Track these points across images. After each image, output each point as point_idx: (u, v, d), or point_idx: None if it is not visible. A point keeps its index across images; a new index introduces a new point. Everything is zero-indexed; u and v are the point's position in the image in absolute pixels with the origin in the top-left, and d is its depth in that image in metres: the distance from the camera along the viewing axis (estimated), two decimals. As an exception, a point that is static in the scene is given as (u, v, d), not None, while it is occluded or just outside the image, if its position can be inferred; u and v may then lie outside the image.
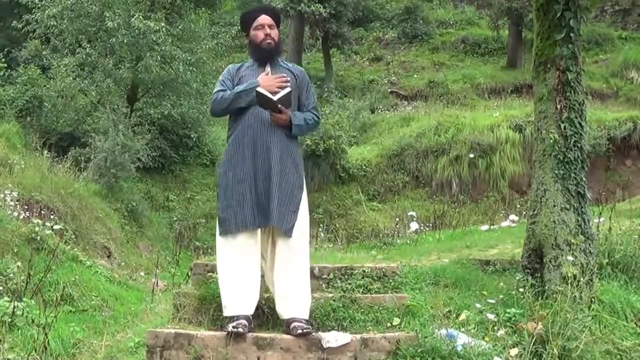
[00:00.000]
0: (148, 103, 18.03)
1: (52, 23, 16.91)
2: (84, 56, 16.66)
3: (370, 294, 4.82)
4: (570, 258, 4.71)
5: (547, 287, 4.79)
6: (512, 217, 11.69)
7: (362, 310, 4.53)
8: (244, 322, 4.08)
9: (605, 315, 4.72)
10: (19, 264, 7.13)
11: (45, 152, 13.70)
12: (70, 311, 7.12)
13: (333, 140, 16.30)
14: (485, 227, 10.96)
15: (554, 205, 4.89)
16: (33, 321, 5.39)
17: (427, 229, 12.78)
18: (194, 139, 18.60)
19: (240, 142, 4.35)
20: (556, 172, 4.91)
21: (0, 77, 17.80)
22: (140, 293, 8.87)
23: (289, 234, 4.26)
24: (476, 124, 17.65)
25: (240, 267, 4.23)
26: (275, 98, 4.24)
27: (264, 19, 4.55)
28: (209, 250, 12.05)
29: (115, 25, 15.63)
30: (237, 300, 4.19)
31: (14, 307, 5.52)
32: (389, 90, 24.70)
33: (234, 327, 4.03)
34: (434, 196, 16.63)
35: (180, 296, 4.65)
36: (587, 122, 5.11)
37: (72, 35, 17.16)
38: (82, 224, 11.12)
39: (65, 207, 10.99)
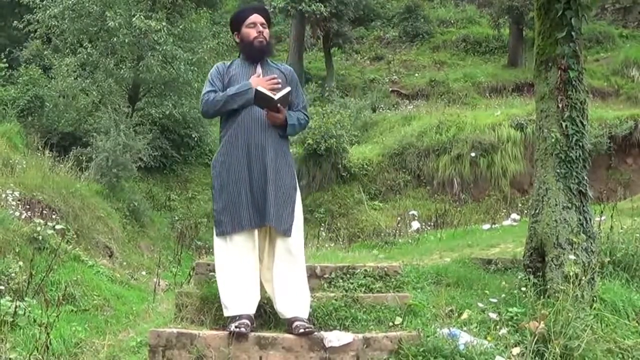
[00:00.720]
0: (149, 103, 18.03)
1: (53, 23, 16.93)
2: (85, 56, 16.69)
3: (372, 293, 4.82)
4: (572, 257, 4.70)
5: (549, 286, 4.79)
6: (514, 216, 11.68)
7: (364, 309, 4.53)
8: (246, 321, 4.09)
9: (607, 314, 4.72)
10: (20, 263, 7.13)
11: (47, 152, 13.69)
12: (72, 311, 7.11)
13: (334, 140, 16.30)
14: (486, 226, 10.95)
15: (556, 204, 4.89)
16: (35, 321, 5.38)
17: (429, 228, 12.77)
18: (195, 138, 18.62)
19: (234, 142, 4.35)
20: (558, 171, 4.91)
21: (2, 77, 17.82)
22: (142, 293, 8.86)
23: (288, 234, 4.29)
24: (477, 122, 17.63)
25: (239, 267, 4.24)
26: (276, 97, 4.24)
27: (257, 17, 4.55)
28: (211, 250, 11.99)
29: (117, 25, 15.64)
30: (239, 300, 4.20)
31: (16, 307, 5.53)
32: (390, 89, 24.71)
33: (236, 326, 4.03)
34: (436, 195, 16.62)
35: (182, 296, 4.65)
36: (589, 120, 5.11)
37: (74, 35, 17.17)
38: (84, 223, 11.12)
39: (66, 206, 10.98)
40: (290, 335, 4.09)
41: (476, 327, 4.35)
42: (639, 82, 22.19)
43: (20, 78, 17.32)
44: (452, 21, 30.58)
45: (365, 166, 17.30)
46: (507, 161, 16.66)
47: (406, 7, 29.79)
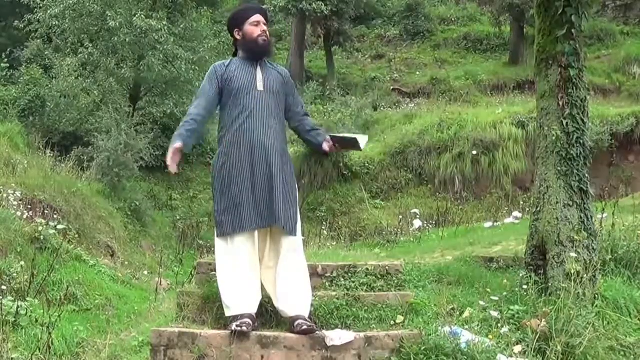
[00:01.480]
0: (150, 102, 18.04)
1: (54, 23, 16.95)
2: (86, 56, 16.68)
3: (374, 292, 4.81)
4: (573, 255, 4.70)
5: (550, 284, 4.79)
6: (516, 213, 11.65)
7: (366, 308, 4.53)
8: (247, 320, 4.09)
9: (609, 311, 4.72)
10: (22, 263, 7.15)
11: (48, 151, 13.71)
12: (74, 310, 7.13)
13: (336, 138, 16.26)
14: (488, 224, 10.94)
15: (557, 202, 4.88)
16: (37, 321, 5.41)
17: (431, 226, 12.77)
18: (197, 137, 18.59)
19: (236, 143, 4.35)
20: (559, 168, 4.91)
21: (3, 77, 17.82)
22: (144, 292, 8.88)
23: (294, 233, 4.31)
24: (479, 120, 17.63)
25: (240, 267, 4.24)
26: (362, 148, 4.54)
27: (260, 17, 4.54)
28: (213, 249, 12.03)
29: (117, 24, 15.66)
30: (240, 300, 4.20)
31: (18, 307, 5.54)
32: (392, 87, 24.69)
33: (237, 325, 4.03)
34: (437, 193, 16.61)
35: (184, 295, 4.65)
36: (590, 118, 5.10)
37: (74, 35, 17.18)
38: (86, 223, 11.12)
39: (68, 206, 10.99)
40: (292, 334, 4.09)
41: (478, 326, 4.34)
42: (640, 79, 22.18)
43: (22, 78, 17.32)
44: (453, 19, 30.56)
45: (367, 165, 17.29)
46: (509, 159, 16.65)
47: (407, 5, 29.76)
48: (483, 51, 27.67)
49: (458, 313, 4.61)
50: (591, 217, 4.92)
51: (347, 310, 4.48)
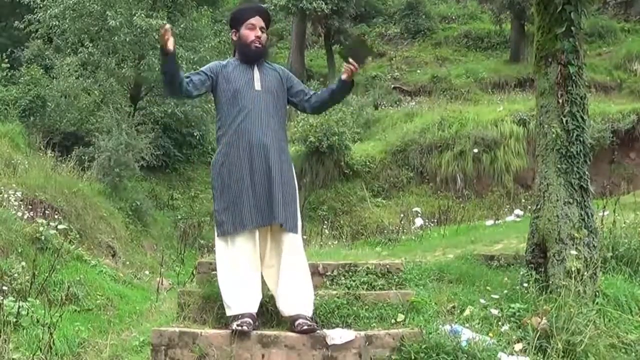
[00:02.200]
0: (151, 102, 18.02)
1: (54, 23, 16.92)
2: (86, 55, 16.67)
3: (375, 290, 4.82)
4: (573, 252, 4.70)
5: (551, 282, 4.78)
6: (517, 211, 11.65)
7: (367, 307, 4.53)
8: (248, 320, 4.09)
9: (610, 309, 4.72)
10: (23, 263, 7.15)
11: (49, 151, 13.69)
12: (75, 310, 7.13)
13: (337, 137, 16.29)
14: (490, 222, 10.94)
15: (557, 200, 4.88)
16: (38, 321, 5.41)
17: (432, 224, 12.76)
18: (198, 137, 18.61)
19: (235, 142, 4.36)
20: (559, 166, 4.90)
21: (3, 77, 17.81)
22: (145, 292, 8.87)
23: (294, 231, 4.32)
24: (480, 118, 17.62)
25: (241, 267, 4.24)
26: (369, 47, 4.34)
27: (258, 20, 4.55)
28: (214, 249, 12.05)
29: (118, 24, 15.64)
30: (241, 300, 4.20)
31: (19, 307, 5.54)
32: (392, 85, 24.69)
33: (238, 325, 4.03)
34: (439, 192, 16.61)
35: (184, 295, 4.66)
36: (590, 115, 5.10)
37: (75, 35, 17.16)
38: (87, 223, 11.12)
39: (69, 206, 10.99)
40: (293, 333, 4.08)
41: (478, 324, 4.34)
42: (641, 76, 22.16)
43: (22, 78, 17.29)
44: (453, 17, 30.59)
45: (368, 163, 17.29)
46: (510, 157, 16.65)
47: (407, 3, 29.78)
48: (484, 49, 27.68)
49: (459, 311, 4.61)
50: (591, 214, 4.92)
51: (348, 309, 4.48)
